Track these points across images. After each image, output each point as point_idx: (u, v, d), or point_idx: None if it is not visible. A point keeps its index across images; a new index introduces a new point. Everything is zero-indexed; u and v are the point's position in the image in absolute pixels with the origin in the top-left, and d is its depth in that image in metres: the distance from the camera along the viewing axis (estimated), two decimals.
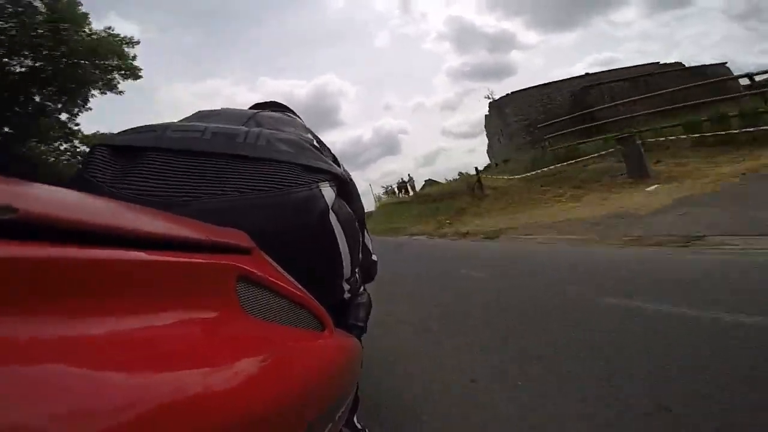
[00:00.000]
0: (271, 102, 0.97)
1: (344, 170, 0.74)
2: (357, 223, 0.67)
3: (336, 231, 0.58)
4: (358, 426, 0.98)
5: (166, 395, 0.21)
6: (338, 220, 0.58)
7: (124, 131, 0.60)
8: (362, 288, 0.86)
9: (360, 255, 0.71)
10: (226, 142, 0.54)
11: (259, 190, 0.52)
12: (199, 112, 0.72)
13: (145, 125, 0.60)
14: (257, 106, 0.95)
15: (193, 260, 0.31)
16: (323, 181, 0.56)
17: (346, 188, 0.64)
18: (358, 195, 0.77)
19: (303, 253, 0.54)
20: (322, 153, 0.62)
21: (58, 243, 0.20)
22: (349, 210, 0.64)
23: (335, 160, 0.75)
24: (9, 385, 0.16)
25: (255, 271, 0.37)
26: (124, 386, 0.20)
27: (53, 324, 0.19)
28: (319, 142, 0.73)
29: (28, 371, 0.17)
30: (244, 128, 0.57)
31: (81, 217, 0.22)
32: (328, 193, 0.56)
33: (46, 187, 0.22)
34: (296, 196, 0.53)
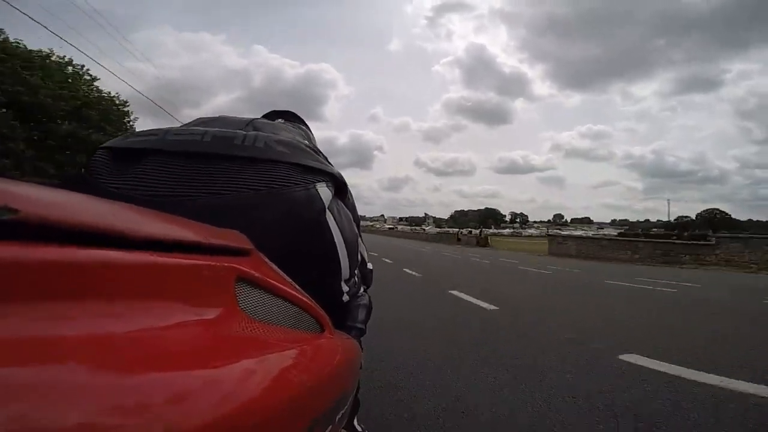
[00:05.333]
0: (285, 111, 0.98)
1: (339, 174, 0.75)
2: (355, 225, 0.67)
3: (333, 230, 0.58)
4: (358, 428, 0.98)
5: (164, 397, 0.21)
6: (335, 219, 0.59)
7: (126, 135, 0.62)
8: (363, 290, 0.86)
9: (358, 257, 0.71)
10: (224, 144, 0.55)
11: (257, 190, 0.53)
12: (199, 118, 0.74)
13: (147, 130, 0.61)
14: (273, 114, 0.96)
15: (191, 262, 0.31)
16: (320, 181, 0.57)
17: (342, 190, 0.64)
18: (353, 200, 0.78)
19: (300, 252, 0.55)
20: (318, 155, 0.63)
21: (57, 244, 0.20)
22: (347, 210, 0.65)
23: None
24: (8, 386, 0.16)
25: (253, 272, 0.37)
26: (123, 387, 0.20)
27: (52, 325, 0.19)
28: (316, 148, 0.73)
29: (28, 372, 0.17)
30: (242, 132, 0.58)
31: (80, 218, 0.22)
32: (325, 192, 0.57)
33: (45, 187, 0.22)
34: (293, 195, 0.54)
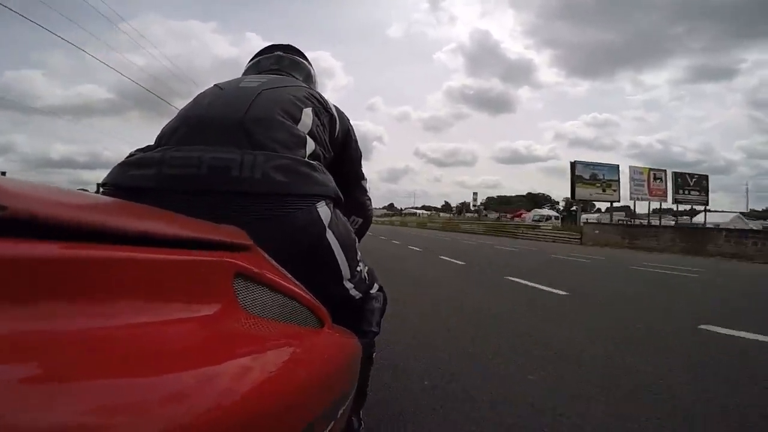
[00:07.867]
0: (284, 45, 0.99)
1: (339, 112, 0.80)
2: (352, 234, 0.72)
3: (333, 246, 0.64)
4: (355, 424, 0.98)
5: (164, 393, 0.21)
6: (334, 234, 0.64)
7: (128, 157, 0.63)
8: (377, 287, 0.86)
9: (357, 254, 0.74)
10: (221, 177, 0.56)
11: (259, 218, 0.56)
12: (216, 84, 0.76)
13: (148, 153, 0.61)
14: (272, 47, 0.98)
15: (190, 257, 0.30)
16: (319, 201, 0.61)
17: (339, 202, 0.68)
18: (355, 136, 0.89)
19: (303, 267, 0.56)
20: (316, 172, 0.63)
21: (49, 240, 0.20)
22: (344, 219, 0.70)
23: (339, 112, 0.81)
24: (2, 385, 0.15)
25: (253, 267, 0.37)
26: (121, 384, 0.20)
27: (45, 323, 0.19)
28: (317, 108, 0.73)
29: (21, 370, 0.16)
30: (237, 158, 0.57)
31: (73, 214, 0.22)
32: (325, 211, 0.62)
33: (37, 184, 0.21)
34: (295, 218, 0.58)
